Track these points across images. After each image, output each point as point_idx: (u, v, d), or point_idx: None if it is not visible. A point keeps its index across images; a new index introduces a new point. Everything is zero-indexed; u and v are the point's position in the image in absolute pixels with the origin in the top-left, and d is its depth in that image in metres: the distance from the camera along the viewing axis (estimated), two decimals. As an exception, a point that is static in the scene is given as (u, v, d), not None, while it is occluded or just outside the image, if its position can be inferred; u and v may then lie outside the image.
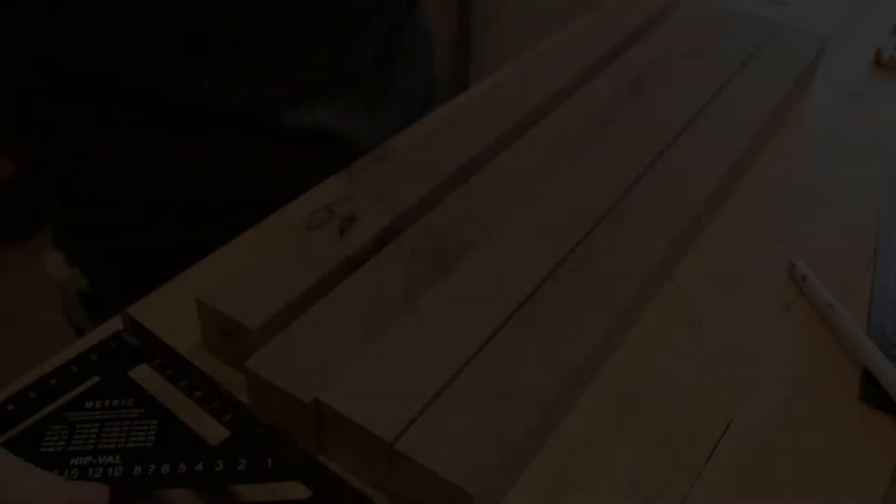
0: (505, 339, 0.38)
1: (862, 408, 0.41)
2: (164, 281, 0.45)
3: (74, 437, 0.33)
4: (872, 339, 0.43)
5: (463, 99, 0.65)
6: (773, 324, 0.45)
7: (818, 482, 0.37)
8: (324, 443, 0.36)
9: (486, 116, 0.54)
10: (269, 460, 0.33)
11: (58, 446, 0.33)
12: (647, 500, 0.36)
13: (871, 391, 0.41)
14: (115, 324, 0.43)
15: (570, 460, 0.37)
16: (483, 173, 0.50)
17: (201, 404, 0.35)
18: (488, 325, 0.39)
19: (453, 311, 0.39)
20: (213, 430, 0.35)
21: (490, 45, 1.73)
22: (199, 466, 0.32)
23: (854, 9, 0.83)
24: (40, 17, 0.48)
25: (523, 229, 0.45)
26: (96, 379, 0.36)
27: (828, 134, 0.62)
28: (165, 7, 0.48)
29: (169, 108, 0.52)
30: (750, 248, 0.50)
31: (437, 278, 0.42)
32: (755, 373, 0.42)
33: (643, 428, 0.39)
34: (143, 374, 0.37)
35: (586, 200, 0.47)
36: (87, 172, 0.57)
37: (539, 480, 0.36)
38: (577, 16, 0.77)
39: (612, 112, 0.56)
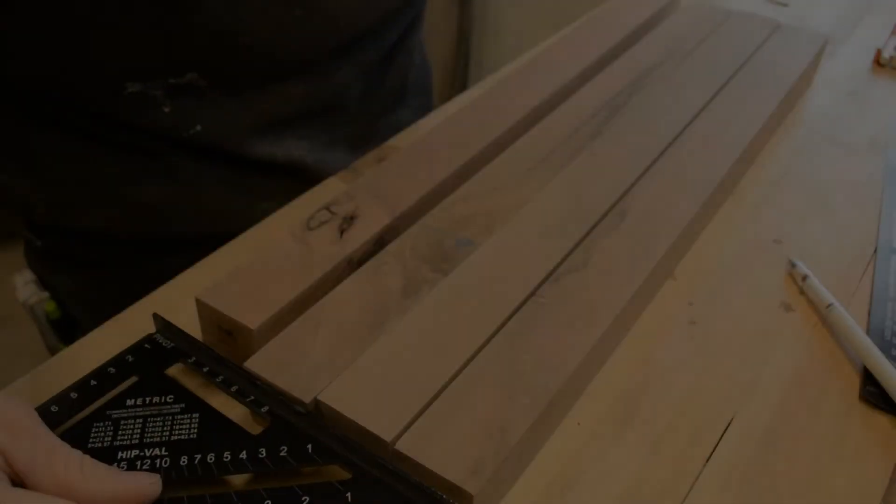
0: (505, 339, 0.38)
1: (862, 408, 0.41)
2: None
3: (119, 433, 0.34)
4: (872, 339, 0.43)
5: (463, 98, 0.65)
6: (773, 324, 0.45)
7: (818, 482, 0.37)
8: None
9: (487, 116, 0.54)
10: (309, 446, 0.34)
11: (104, 442, 0.34)
12: (647, 500, 0.36)
13: (871, 391, 0.41)
14: (110, 331, 0.44)
15: (570, 460, 0.37)
16: (483, 173, 0.50)
17: (239, 397, 0.36)
18: (488, 325, 0.39)
19: (453, 312, 0.39)
20: (252, 422, 0.36)
21: (490, 45, 1.73)
22: (243, 455, 0.33)
23: (854, 9, 0.83)
24: None
25: (524, 229, 0.45)
26: (134, 379, 0.37)
27: (828, 134, 0.62)
28: (121, 27, 0.46)
29: (127, 131, 0.50)
30: (750, 248, 0.50)
31: (436, 278, 0.42)
32: (755, 373, 0.42)
33: (643, 428, 0.39)
34: (179, 373, 0.38)
35: (587, 200, 0.47)
36: (45, 199, 0.55)
37: (539, 480, 0.36)
38: (577, 16, 0.77)
39: (613, 111, 0.56)
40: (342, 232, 0.43)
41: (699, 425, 0.39)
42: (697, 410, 0.40)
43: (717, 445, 0.38)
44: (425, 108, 0.70)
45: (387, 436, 0.33)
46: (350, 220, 0.44)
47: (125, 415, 0.35)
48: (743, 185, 0.56)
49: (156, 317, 0.39)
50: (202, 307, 0.39)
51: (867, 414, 0.40)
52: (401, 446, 0.33)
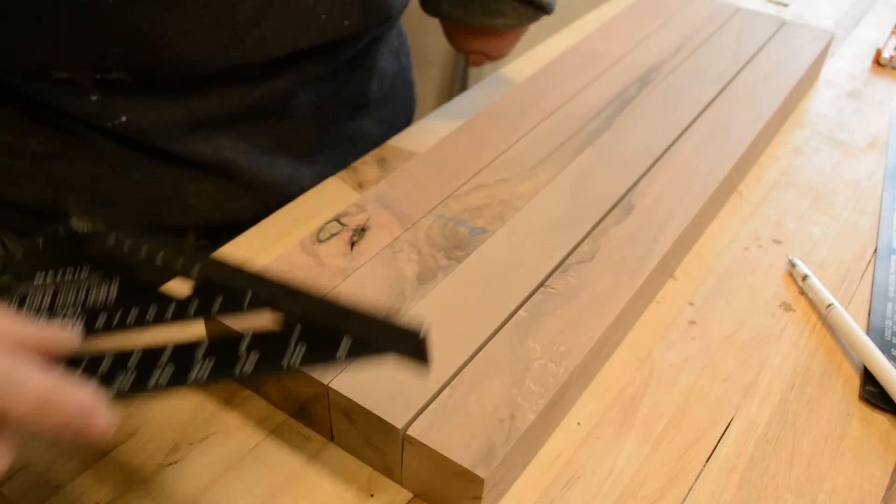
0: (515, 328, 0.39)
1: (862, 408, 0.41)
2: None
3: (27, 305, 0.30)
4: (872, 339, 0.43)
5: (462, 99, 0.65)
6: (773, 324, 0.45)
7: (818, 482, 0.37)
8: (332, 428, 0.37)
9: (498, 127, 0.54)
10: (249, 293, 0.31)
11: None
12: (647, 500, 0.36)
13: (871, 391, 0.41)
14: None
15: (571, 460, 0.37)
16: (495, 165, 0.50)
17: (165, 263, 0.32)
18: (500, 313, 0.39)
19: (465, 300, 0.40)
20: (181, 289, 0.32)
21: (490, 45, 1.73)
22: (170, 311, 0.30)
23: (854, 9, 0.83)
24: None
25: (534, 219, 0.45)
26: (45, 257, 0.33)
27: (828, 133, 0.62)
28: (43, 21, 0.45)
29: (54, 112, 0.50)
30: (750, 248, 0.50)
31: (451, 265, 0.42)
32: (755, 373, 0.42)
33: (643, 427, 0.39)
34: (98, 251, 0.34)
35: (595, 192, 0.47)
36: None
37: (540, 479, 0.36)
38: (577, 16, 0.77)
39: (621, 106, 0.56)
40: (353, 244, 0.43)
41: (699, 425, 0.39)
42: (697, 410, 0.40)
43: (717, 445, 0.38)
44: (399, 121, 0.68)
45: (398, 423, 0.33)
46: (361, 231, 0.44)
47: (32, 289, 0.31)
48: (743, 184, 0.56)
49: (70, 198, 0.35)
50: (209, 322, 0.39)
51: (867, 414, 0.40)
52: (412, 432, 0.33)
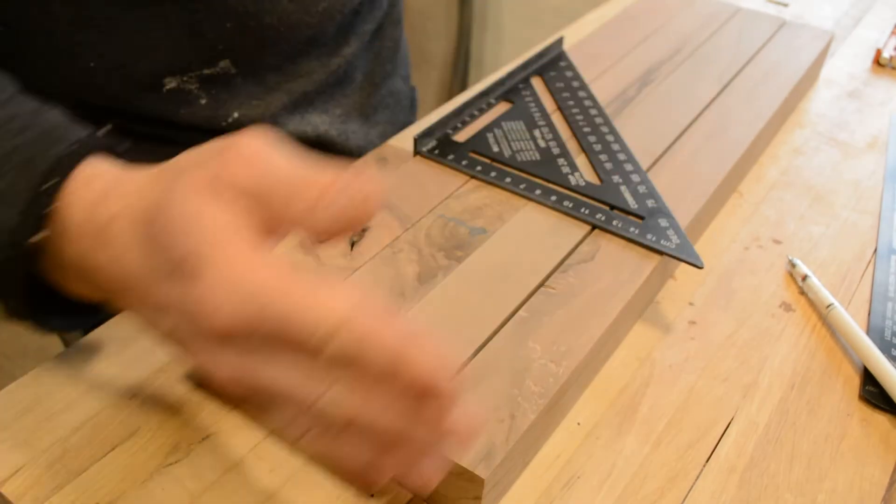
0: (515, 328, 0.39)
1: (862, 408, 0.41)
2: None
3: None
4: (872, 339, 0.43)
5: (461, 99, 0.65)
6: (773, 324, 0.45)
7: (818, 482, 0.37)
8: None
9: None
10: None
11: None
12: (647, 500, 0.36)
13: (871, 391, 0.41)
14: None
15: (571, 460, 0.37)
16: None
17: None
18: (499, 313, 0.39)
19: (465, 300, 0.40)
20: None
21: (490, 45, 1.73)
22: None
23: (854, 9, 0.83)
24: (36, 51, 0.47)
25: (534, 219, 0.45)
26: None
27: (828, 133, 0.62)
28: (152, 26, 0.47)
29: (166, 126, 0.51)
30: (750, 248, 0.50)
31: (451, 265, 0.42)
32: (755, 373, 0.42)
33: (643, 428, 0.39)
34: None
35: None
36: None
37: (540, 480, 0.36)
38: (577, 16, 0.77)
39: (622, 105, 0.56)
40: (353, 244, 0.43)
41: (699, 425, 0.39)
42: (697, 410, 0.40)
43: (717, 445, 0.38)
44: (408, 75, 0.73)
45: None
46: (361, 231, 0.44)
47: None
48: (743, 184, 0.56)
49: None
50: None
51: (867, 414, 0.40)
52: None
